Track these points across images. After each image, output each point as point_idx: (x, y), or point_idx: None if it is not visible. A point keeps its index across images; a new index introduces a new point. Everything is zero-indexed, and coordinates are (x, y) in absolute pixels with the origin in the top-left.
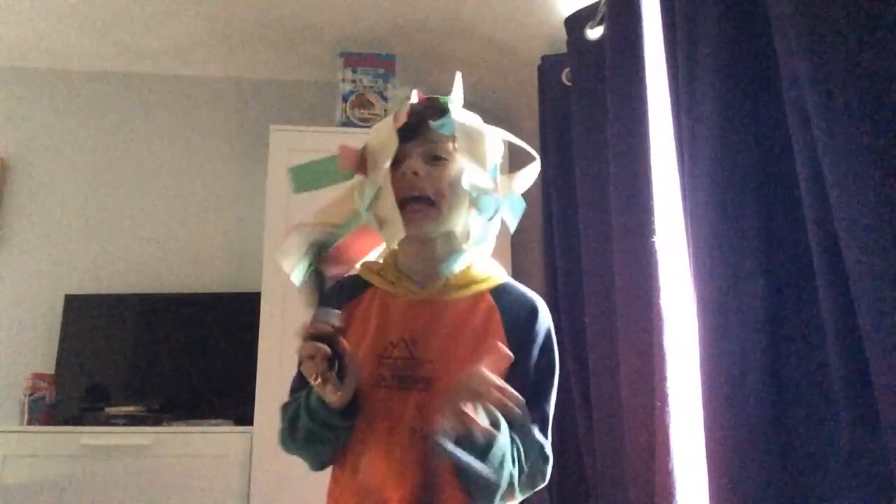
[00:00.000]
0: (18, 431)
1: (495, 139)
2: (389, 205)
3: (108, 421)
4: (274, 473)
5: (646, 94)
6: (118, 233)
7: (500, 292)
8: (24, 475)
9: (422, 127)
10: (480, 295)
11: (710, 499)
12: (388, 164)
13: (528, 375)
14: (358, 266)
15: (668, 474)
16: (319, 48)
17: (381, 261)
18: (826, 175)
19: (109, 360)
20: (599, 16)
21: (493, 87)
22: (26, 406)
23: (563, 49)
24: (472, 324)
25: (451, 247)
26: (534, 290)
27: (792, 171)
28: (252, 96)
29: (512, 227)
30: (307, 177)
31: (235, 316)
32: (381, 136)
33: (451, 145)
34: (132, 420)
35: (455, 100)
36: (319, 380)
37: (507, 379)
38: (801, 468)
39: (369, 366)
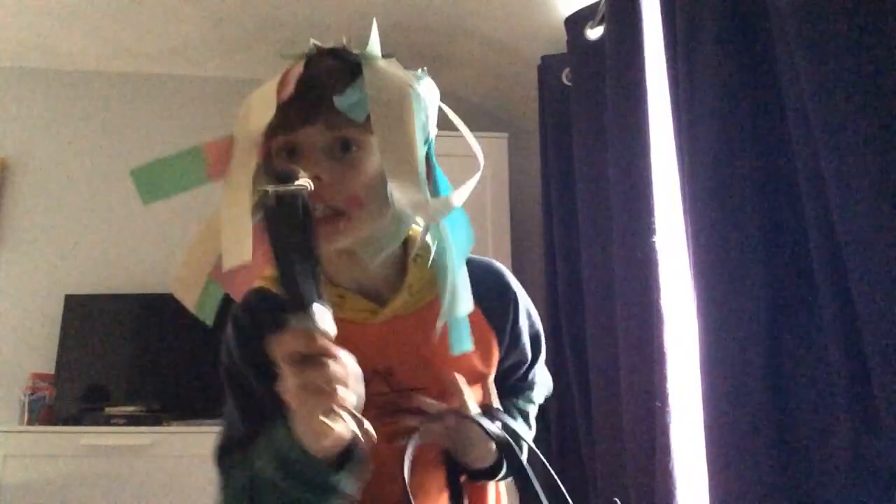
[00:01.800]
0: (18, 431)
1: (427, 103)
2: (238, 214)
3: (108, 421)
4: None
5: (646, 94)
6: (118, 233)
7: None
8: (24, 475)
9: (324, 104)
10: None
11: (710, 499)
12: (252, 160)
13: (524, 348)
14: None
15: (668, 474)
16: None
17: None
18: (826, 175)
19: (109, 360)
20: (599, 16)
21: (493, 87)
22: (26, 406)
23: (563, 49)
24: None
25: (378, 249)
26: (534, 290)
27: (792, 171)
28: None
29: (465, 251)
30: (160, 180)
31: None
32: (259, 109)
33: (366, 125)
34: (132, 420)
35: (371, 55)
36: (328, 420)
37: (506, 357)
38: (801, 468)
39: None
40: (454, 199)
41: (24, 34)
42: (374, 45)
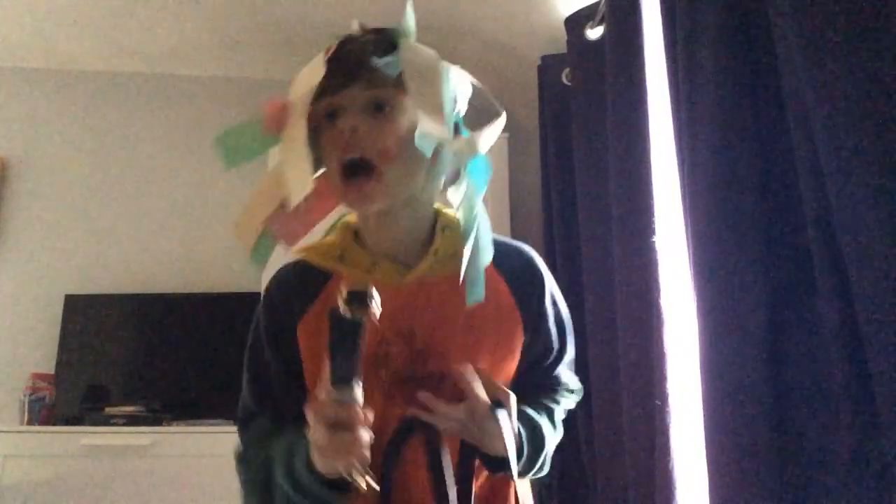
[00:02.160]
0: (18, 431)
1: (457, 80)
2: (297, 159)
3: (108, 421)
4: None
5: (646, 94)
6: (118, 233)
7: (495, 259)
8: (24, 475)
9: (362, 68)
10: None
11: (710, 499)
12: (302, 115)
13: (549, 334)
14: (299, 249)
15: (668, 474)
16: (319, 48)
17: (331, 238)
18: (826, 175)
19: (109, 360)
20: (599, 16)
21: (493, 87)
22: (26, 406)
23: (563, 49)
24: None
25: (420, 213)
26: None
27: (792, 171)
28: (252, 96)
29: (480, 191)
30: (237, 146)
31: (235, 316)
32: (308, 75)
33: (400, 90)
34: (132, 420)
35: (406, 32)
36: (351, 474)
37: (531, 343)
38: (801, 468)
39: (364, 373)
40: (479, 142)
41: (24, 34)
42: (409, 22)
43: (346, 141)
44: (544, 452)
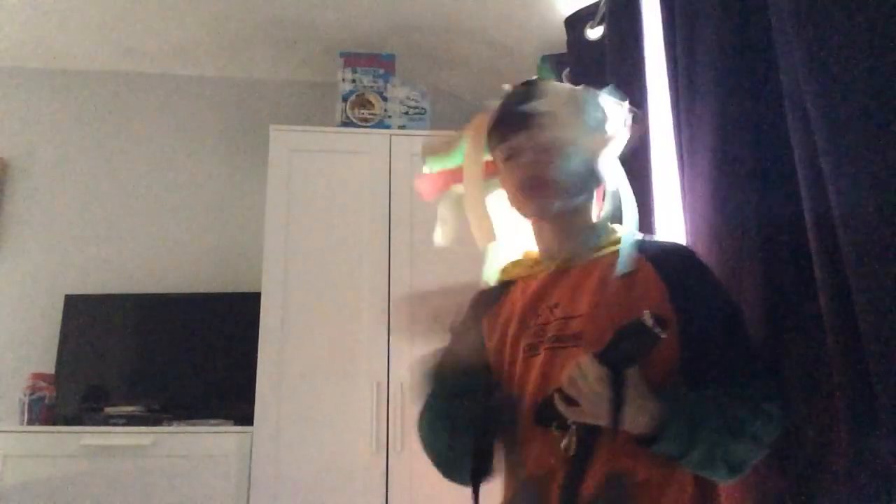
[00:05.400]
0: (18, 431)
1: (605, 102)
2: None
3: (108, 421)
4: (274, 473)
5: (646, 94)
6: (118, 233)
7: (642, 245)
8: (24, 475)
9: (526, 117)
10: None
11: None
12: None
13: (711, 321)
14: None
15: None
16: (319, 48)
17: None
18: (826, 174)
19: (109, 360)
20: (599, 16)
21: (493, 87)
22: (26, 406)
23: (563, 49)
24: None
25: (585, 221)
26: None
27: (792, 170)
28: (252, 96)
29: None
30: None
31: (235, 316)
32: (476, 135)
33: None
34: (132, 420)
35: (545, 75)
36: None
37: (686, 335)
38: (800, 468)
39: (514, 345)
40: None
41: (24, 34)
42: (545, 71)
43: (525, 171)
44: (702, 438)
